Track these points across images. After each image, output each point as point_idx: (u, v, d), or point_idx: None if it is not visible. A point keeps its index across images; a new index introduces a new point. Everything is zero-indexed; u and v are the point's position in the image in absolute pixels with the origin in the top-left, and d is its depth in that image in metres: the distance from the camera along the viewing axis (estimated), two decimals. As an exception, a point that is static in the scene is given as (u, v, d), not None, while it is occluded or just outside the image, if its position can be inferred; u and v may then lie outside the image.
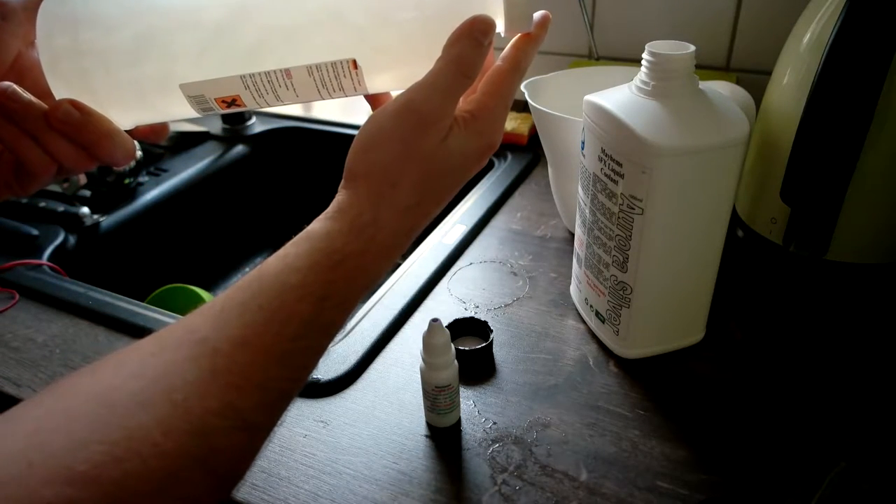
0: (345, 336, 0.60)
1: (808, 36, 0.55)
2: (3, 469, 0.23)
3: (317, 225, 0.34)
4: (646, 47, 0.47)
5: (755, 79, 0.83)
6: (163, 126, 0.41)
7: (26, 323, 0.65)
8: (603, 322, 0.57)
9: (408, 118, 0.34)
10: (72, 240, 0.81)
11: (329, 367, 0.56)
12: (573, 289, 0.63)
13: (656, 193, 0.47)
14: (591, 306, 0.58)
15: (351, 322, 0.62)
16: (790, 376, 0.54)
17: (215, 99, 0.37)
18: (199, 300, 0.80)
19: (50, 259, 0.76)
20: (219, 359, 0.28)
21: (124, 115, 0.37)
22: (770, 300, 0.62)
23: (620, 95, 0.50)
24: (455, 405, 0.50)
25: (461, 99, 0.36)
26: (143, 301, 0.70)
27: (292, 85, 0.36)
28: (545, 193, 0.82)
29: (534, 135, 0.94)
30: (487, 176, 0.87)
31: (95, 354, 0.61)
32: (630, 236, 0.50)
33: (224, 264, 1.04)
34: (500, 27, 0.37)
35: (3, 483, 0.23)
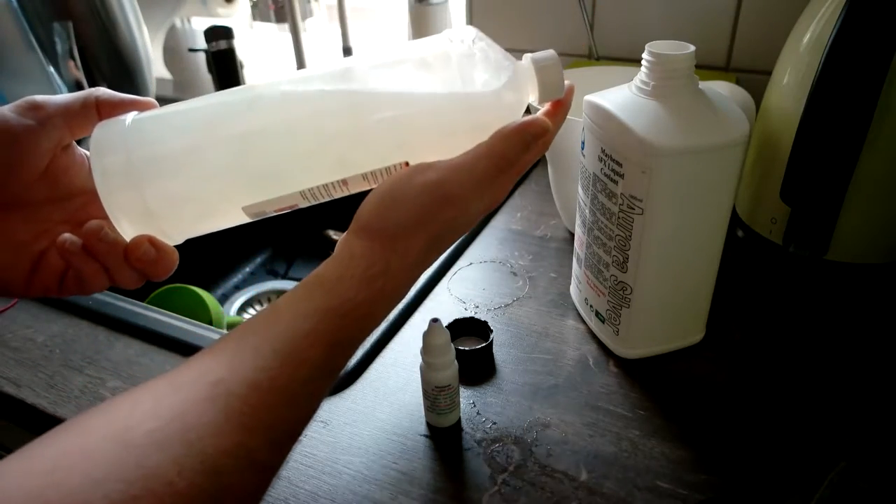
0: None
1: (807, 36, 0.55)
2: None
3: (328, 270, 0.35)
4: (646, 47, 0.47)
5: (755, 79, 0.83)
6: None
7: (26, 323, 0.65)
8: (603, 322, 0.57)
9: (436, 195, 0.35)
10: (72, 240, 0.81)
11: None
12: (573, 289, 0.63)
13: (656, 193, 0.47)
14: (591, 306, 0.58)
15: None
16: (790, 376, 0.54)
17: (274, 209, 0.39)
18: (199, 300, 0.80)
19: (50, 259, 0.76)
20: (232, 400, 0.29)
21: (177, 232, 0.39)
22: (770, 300, 0.62)
23: (620, 95, 0.50)
24: (455, 405, 0.50)
25: None
26: (143, 301, 0.70)
27: (347, 189, 0.38)
28: (545, 193, 0.82)
29: (534, 135, 0.93)
30: (487, 176, 0.87)
31: (95, 354, 0.61)
32: (630, 236, 0.50)
33: (224, 264, 1.04)
34: (532, 98, 0.38)
35: None
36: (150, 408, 0.28)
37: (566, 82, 0.39)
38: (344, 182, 0.37)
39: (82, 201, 0.39)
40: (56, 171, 0.38)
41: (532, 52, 0.38)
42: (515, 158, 0.36)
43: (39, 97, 0.37)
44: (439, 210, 0.35)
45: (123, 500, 0.24)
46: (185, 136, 0.37)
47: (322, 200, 0.39)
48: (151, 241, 0.37)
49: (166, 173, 0.36)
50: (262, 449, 0.29)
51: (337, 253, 0.36)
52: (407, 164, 0.37)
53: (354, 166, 0.37)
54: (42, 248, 0.38)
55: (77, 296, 0.67)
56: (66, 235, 0.36)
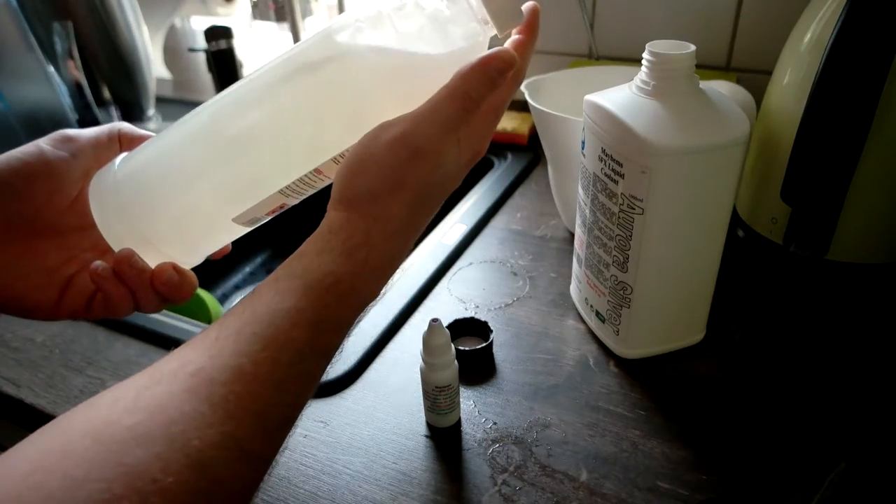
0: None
1: (808, 36, 0.55)
2: None
3: (308, 247, 0.33)
4: (646, 47, 0.47)
5: (755, 79, 0.83)
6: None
7: (26, 323, 0.65)
8: (603, 322, 0.57)
9: (402, 151, 0.33)
10: (72, 240, 0.81)
11: (329, 367, 0.56)
12: (573, 289, 0.63)
13: (656, 193, 0.47)
14: (591, 306, 0.58)
15: (351, 322, 0.62)
16: (790, 376, 0.54)
17: (265, 213, 0.39)
18: (199, 300, 0.80)
19: (50, 259, 0.76)
20: (215, 389, 0.28)
21: (187, 256, 0.40)
22: (770, 300, 0.62)
23: (620, 95, 0.49)
24: (455, 405, 0.50)
25: None
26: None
27: (325, 177, 0.38)
28: (545, 193, 0.82)
29: (534, 135, 0.93)
30: (487, 176, 0.87)
31: (95, 354, 0.61)
32: (630, 236, 0.50)
33: (224, 264, 1.04)
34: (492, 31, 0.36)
35: None
36: (130, 402, 0.27)
37: (528, 3, 0.36)
38: (318, 171, 0.37)
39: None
40: (83, 200, 0.39)
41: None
42: (480, 97, 0.33)
43: (71, 131, 0.39)
44: (410, 166, 0.33)
45: (105, 499, 0.23)
46: (162, 168, 0.38)
47: (306, 194, 0.38)
48: (175, 268, 0.39)
49: (156, 209, 0.38)
50: (252, 438, 0.28)
51: (318, 229, 0.34)
52: None
53: (322, 152, 0.36)
54: (71, 272, 0.40)
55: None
56: (98, 262, 0.38)
